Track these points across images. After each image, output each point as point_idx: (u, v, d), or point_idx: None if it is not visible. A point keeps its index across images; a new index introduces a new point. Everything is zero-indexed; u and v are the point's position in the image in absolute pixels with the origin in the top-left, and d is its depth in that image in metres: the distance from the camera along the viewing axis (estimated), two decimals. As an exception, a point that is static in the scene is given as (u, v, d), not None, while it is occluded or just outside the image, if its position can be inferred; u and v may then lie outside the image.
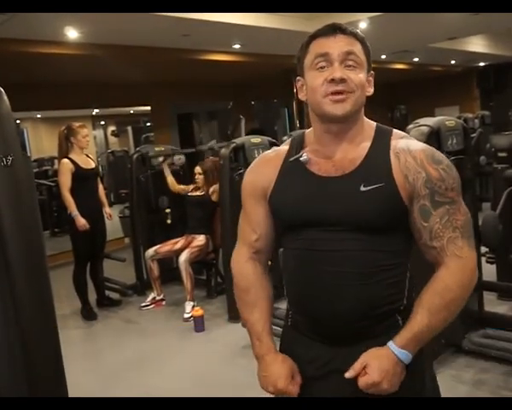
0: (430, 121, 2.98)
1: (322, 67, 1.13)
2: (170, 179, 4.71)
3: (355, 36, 1.15)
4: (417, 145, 1.17)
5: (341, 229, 1.14)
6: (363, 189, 1.13)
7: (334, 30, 1.14)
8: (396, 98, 12.11)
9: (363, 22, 5.47)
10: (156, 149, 5.08)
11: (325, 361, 1.18)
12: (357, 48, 1.15)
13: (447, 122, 3.03)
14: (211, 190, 4.31)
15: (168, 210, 4.74)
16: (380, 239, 1.14)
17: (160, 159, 4.85)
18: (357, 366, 1.11)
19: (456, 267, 1.11)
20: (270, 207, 1.25)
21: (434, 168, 1.13)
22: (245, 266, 1.31)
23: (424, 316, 1.10)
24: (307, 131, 1.27)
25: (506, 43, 9.64)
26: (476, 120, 6.81)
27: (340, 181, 1.16)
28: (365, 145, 1.18)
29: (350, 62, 1.12)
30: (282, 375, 1.20)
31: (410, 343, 1.10)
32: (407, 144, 1.16)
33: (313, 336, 1.21)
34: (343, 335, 1.17)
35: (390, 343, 1.11)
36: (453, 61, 10.30)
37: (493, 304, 3.42)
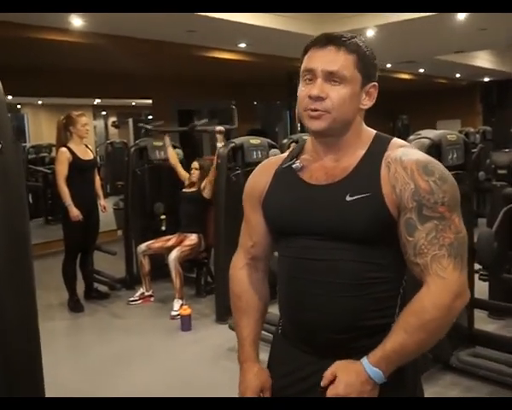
0: (432, 134, 2.96)
1: (309, 79, 1.13)
2: (170, 151, 4.60)
3: (347, 47, 1.11)
4: (412, 155, 1.11)
5: (329, 238, 1.11)
6: (348, 198, 1.10)
7: (326, 41, 1.12)
8: (398, 108, 12.12)
9: (370, 30, 5.46)
10: (155, 143, 5.05)
11: (309, 373, 1.17)
12: (346, 62, 1.10)
13: (449, 136, 3.01)
14: (202, 184, 4.27)
15: (163, 217, 4.69)
16: (369, 251, 1.10)
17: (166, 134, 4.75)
18: (328, 373, 1.09)
19: (437, 288, 1.04)
20: (263, 213, 1.25)
21: (424, 180, 1.06)
22: (240, 272, 1.31)
23: (399, 335, 1.05)
24: (308, 138, 1.26)
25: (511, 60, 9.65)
26: (477, 135, 6.81)
27: (327, 189, 1.14)
28: (359, 154, 1.15)
29: (334, 78, 1.10)
30: (251, 387, 1.22)
31: (381, 362, 1.06)
32: (402, 154, 1.11)
33: (301, 346, 1.19)
34: (329, 347, 1.14)
35: (363, 359, 1.07)
36: (458, 75, 10.31)
37: (484, 322, 3.40)
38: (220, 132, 4.29)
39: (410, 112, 12.05)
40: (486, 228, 3.25)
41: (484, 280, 3.75)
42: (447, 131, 3.10)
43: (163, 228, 4.62)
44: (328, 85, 1.10)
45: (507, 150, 5.69)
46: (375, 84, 1.17)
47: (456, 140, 3.06)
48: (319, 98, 1.10)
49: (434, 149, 2.79)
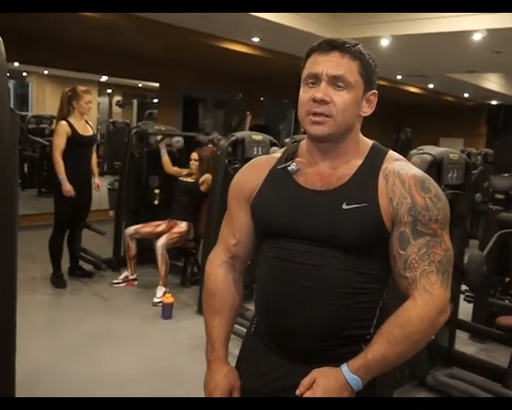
0: (434, 151, 2.94)
1: (312, 83, 1.13)
2: (165, 159, 4.64)
3: (351, 54, 1.12)
4: (409, 170, 1.12)
5: (319, 244, 1.11)
6: (345, 207, 1.10)
7: (330, 47, 1.12)
8: (404, 120, 12.11)
9: (385, 39, 5.42)
10: (156, 127, 5.01)
11: (281, 375, 1.16)
12: (350, 68, 1.11)
13: (451, 155, 2.99)
14: (201, 179, 4.25)
15: (157, 191, 4.67)
16: (357, 260, 1.11)
17: (159, 137, 4.78)
18: (305, 381, 1.09)
19: (423, 302, 1.06)
20: (251, 211, 1.23)
21: (421, 196, 1.08)
22: (217, 270, 1.29)
23: (381, 345, 1.06)
24: (302, 141, 1.25)
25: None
26: (479, 157, 6.79)
27: (323, 196, 1.14)
28: (356, 163, 1.15)
29: (338, 83, 1.11)
30: (219, 387, 1.21)
31: (361, 369, 1.07)
32: (400, 167, 1.13)
33: (274, 347, 1.19)
34: (304, 352, 1.14)
35: (343, 366, 1.08)
36: (466, 94, 10.30)
37: (464, 344, 3.40)
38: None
39: (415, 126, 12.03)
40: (477, 250, 3.24)
41: (469, 302, 3.75)
42: (450, 150, 3.08)
43: (156, 202, 4.60)
44: (332, 90, 1.10)
45: (506, 175, 5.69)
46: (376, 91, 1.17)
47: (458, 160, 3.04)
48: (323, 102, 1.10)
49: (435, 166, 2.77)
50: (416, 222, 1.07)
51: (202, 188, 4.23)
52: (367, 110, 1.16)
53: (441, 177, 2.79)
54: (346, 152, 1.16)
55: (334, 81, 1.10)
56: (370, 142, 1.20)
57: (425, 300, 1.06)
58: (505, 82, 9.26)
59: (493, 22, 4.55)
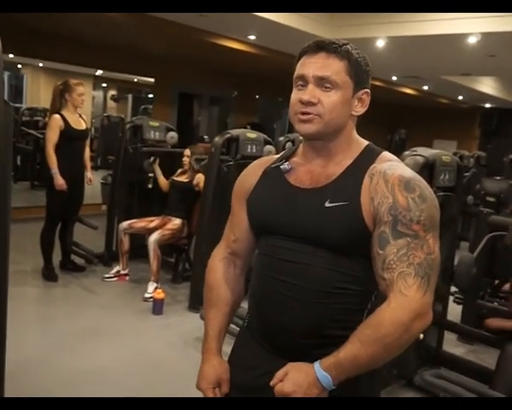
0: (427, 153, 2.97)
1: (301, 85, 1.15)
2: (161, 180, 4.60)
3: (338, 53, 1.13)
4: (397, 170, 1.10)
5: (305, 242, 1.13)
6: (327, 205, 1.11)
7: (317, 48, 1.14)
8: (398, 121, 12.16)
9: (380, 40, 5.44)
10: (151, 123, 4.99)
11: (267, 370, 1.16)
12: (336, 68, 1.12)
13: (443, 157, 3.02)
14: (195, 180, 4.24)
15: (151, 174, 4.62)
16: (342, 260, 1.11)
17: (152, 159, 4.66)
18: (279, 373, 1.09)
19: (397, 305, 1.02)
20: (247, 209, 1.26)
21: (404, 196, 1.06)
22: (217, 264, 1.32)
23: (353, 345, 1.04)
24: (302, 142, 1.27)
25: (515, 90, 9.72)
26: (472, 159, 6.85)
27: (309, 194, 1.15)
28: (346, 163, 1.16)
29: (326, 84, 1.12)
30: (206, 378, 1.23)
31: (332, 368, 1.05)
32: (388, 167, 1.11)
33: (263, 343, 1.21)
34: (289, 348, 1.15)
35: (316, 362, 1.07)
36: (461, 97, 10.36)
37: (452, 345, 3.43)
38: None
39: (409, 127, 12.10)
40: (467, 253, 3.27)
41: (458, 303, 3.78)
42: (442, 152, 3.11)
43: (150, 186, 4.56)
44: (320, 91, 1.12)
45: (498, 178, 5.74)
46: (368, 90, 1.17)
47: (450, 162, 3.06)
48: (310, 103, 1.12)
49: (427, 168, 2.79)
50: (396, 222, 1.05)
51: (197, 188, 4.23)
52: (359, 109, 1.16)
53: (433, 179, 2.81)
54: (338, 151, 1.17)
55: (321, 82, 1.12)
56: (365, 142, 1.20)
57: (399, 302, 1.02)
58: (499, 85, 9.32)
59: (488, 26, 4.58)
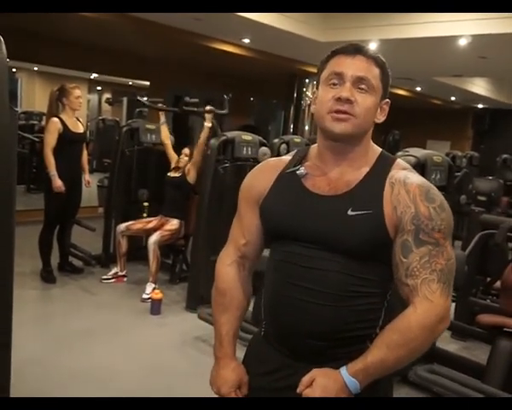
0: (419, 153, 3.04)
1: (334, 84, 1.14)
2: (164, 129, 4.61)
3: (375, 60, 1.15)
4: (415, 179, 1.14)
5: (322, 248, 1.13)
6: (350, 213, 1.12)
7: (355, 50, 1.15)
8: (391, 123, 12.18)
9: (373, 42, 5.51)
10: (147, 125, 5.04)
11: (286, 375, 1.19)
12: (374, 73, 1.14)
13: (434, 157, 3.09)
14: (187, 167, 4.27)
15: (146, 204, 4.67)
16: (359, 266, 1.13)
17: (159, 105, 4.80)
18: (305, 379, 1.10)
19: (423, 310, 1.07)
20: (260, 214, 1.25)
21: (425, 206, 1.10)
22: (228, 269, 1.31)
23: (380, 350, 1.08)
24: (312, 146, 1.27)
25: (506, 91, 9.82)
26: (464, 160, 6.93)
27: (330, 201, 1.15)
28: (364, 170, 1.17)
29: (362, 86, 1.13)
30: (227, 382, 1.24)
31: (359, 373, 1.08)
32: (405, 176, 1.14)
33: (279, 347, 1.21)
34: (307, 352, 1.17)
35: (342, 368, 1.10)
36: (453, 98, 10.46)
37: (446, 341, 3.48)
38: (209, 112, 4.30)
39: (403, 128, 12.15)
40: (460, 251, 3.33)
41: (452, 301, 3.84)
42: (434, 153, 3.17)
43: (144, 215, 4.61)
44: (356, 92, 1.12)
45: (490, 178, 5.82)
46: (388, 101, 1.20)
47: (441, 162, 3.13)
48: (349, 101, 1.11)
49: (419, 168, 2.86)
50: (418, 231, 1.09)
51: (189, 177, 4.25)
52: (380, 117, 1.19)
53: (424, 178, 2.87)
54: (356, 157, 1.18)
55: (359, 83, 1.12)
56: (379, 149, 1.23)
57: (425, 307, 1.07)
58: (491, 86, 9.42)
59: (478, 28, 4.66)
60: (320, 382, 1.09)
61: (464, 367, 2.98)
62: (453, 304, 3.76)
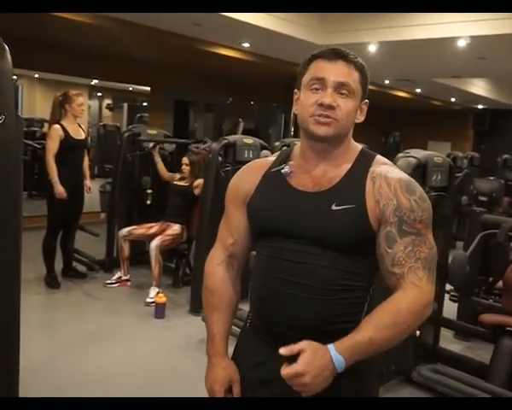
0: (419, 154, 3.04)
1: (316, 89, 1.18)
2: (160, 166, 4.70)
3: (354, 64, 1.19)
4: (395, 173, 1.19)
5: (309, 243, 1.17)
6: (334, 208, 1.16)
7: (335, 55, 1.18)
8: (392, 124, 12.25)
9: (372, 45, 5.54)
10: (149, 131, 5.06)
11: (274, 366, 1.18)
12: (353, 77, 1.18)
13: (435, 158, 3.10)
14: (195, 183, 4.31)
15: (149, 191, 4.72)
16: (345, 259, 1.16)
17: (151, 144, 4.81)
18: (294, 347, 1.07)
19: (412, 294, 1.12)
20: (247, 213, 1.29)
21: (406, 198, 1.15)
22: (216, 268, 1.34)
23: (369, 330, 1.10)
24: (296, 145, 1.31)
25: (506, 91, 9.83)
26: (465, 160, 6.93)
27: (314, 197, 1.20)
28: (346, 167, 1.22)
29: (343, 91, 1.17)
30: (219, 380, 1.27)
31: (346, 350, 1.08)
32: (386, 171, 1.19)
33: (268, 340, 1.24)
34: (293, 342, 1.15)
35: (330, 345, 1.09)
36: (453, 99, 10.47)
37: (448, 341, 3.50)
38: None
39: (403, 129, 12.19)
40: (461, 251, 3.34)
41: (454, 301, 3.85)
42: (434, 153, 3.19)
43: (148, 202, 4.64)
44: (337, 96, 1.16)
45: (491, 178, 5.82)
46: (367, 101, 1.25)
47: (442, 163, 3.14)
48: (331, 107, 1.16)
49: (420, 169, 2.87)
50: (401, 222, 1.14)
51: (196, 192, 4.29)
52: (360, 117, 1.23)
53: (426, 179, 2.88)
54: (338, 155, 1.22)
55: (340, 88, 1.16)
56: (359, 146, 1.27)
57: (414, 293, 1.12)
58: (491, 87, 9.43)
59: (476, 29, 4.68)
60: (307, 355, 1.06)
61: (468, 367, 2.99)
62: (456, 304, 3.78)
